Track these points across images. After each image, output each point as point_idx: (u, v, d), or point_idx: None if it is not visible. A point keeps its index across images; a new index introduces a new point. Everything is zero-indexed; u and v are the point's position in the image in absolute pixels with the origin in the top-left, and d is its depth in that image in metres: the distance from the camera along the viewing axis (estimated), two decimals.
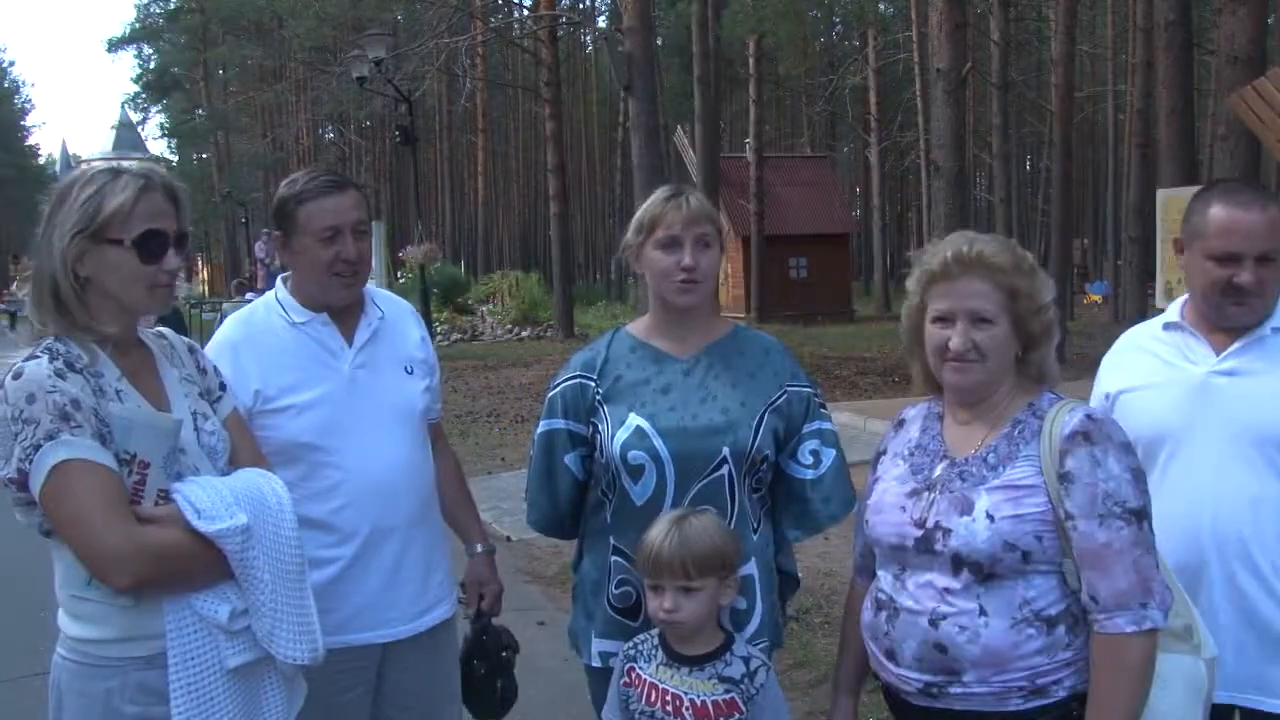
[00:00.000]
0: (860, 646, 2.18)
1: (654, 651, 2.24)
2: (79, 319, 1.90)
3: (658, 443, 2.31)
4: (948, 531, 1.96)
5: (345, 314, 2.51)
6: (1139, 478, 1.94)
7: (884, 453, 2.21)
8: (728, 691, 2.16)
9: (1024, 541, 1.91)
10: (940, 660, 1.95)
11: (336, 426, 2.42)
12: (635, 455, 2.32)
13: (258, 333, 2.48)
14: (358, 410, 2.45)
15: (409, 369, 2.58)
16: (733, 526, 2.33)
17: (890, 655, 2.04)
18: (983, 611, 1.93)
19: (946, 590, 1.95)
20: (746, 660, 2.20)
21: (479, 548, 2.76)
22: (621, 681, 2.27)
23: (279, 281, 2.57)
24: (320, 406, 2.42)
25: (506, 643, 2.74)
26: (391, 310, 2.62)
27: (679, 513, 2.22)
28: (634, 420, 2.34)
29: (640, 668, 2.24)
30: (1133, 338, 2.54)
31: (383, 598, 2.46)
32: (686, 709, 2.15)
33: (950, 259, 2.01)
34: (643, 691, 2.21)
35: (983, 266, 2.00)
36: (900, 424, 2.24)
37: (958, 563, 1.94)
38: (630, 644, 2.30)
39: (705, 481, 2.32)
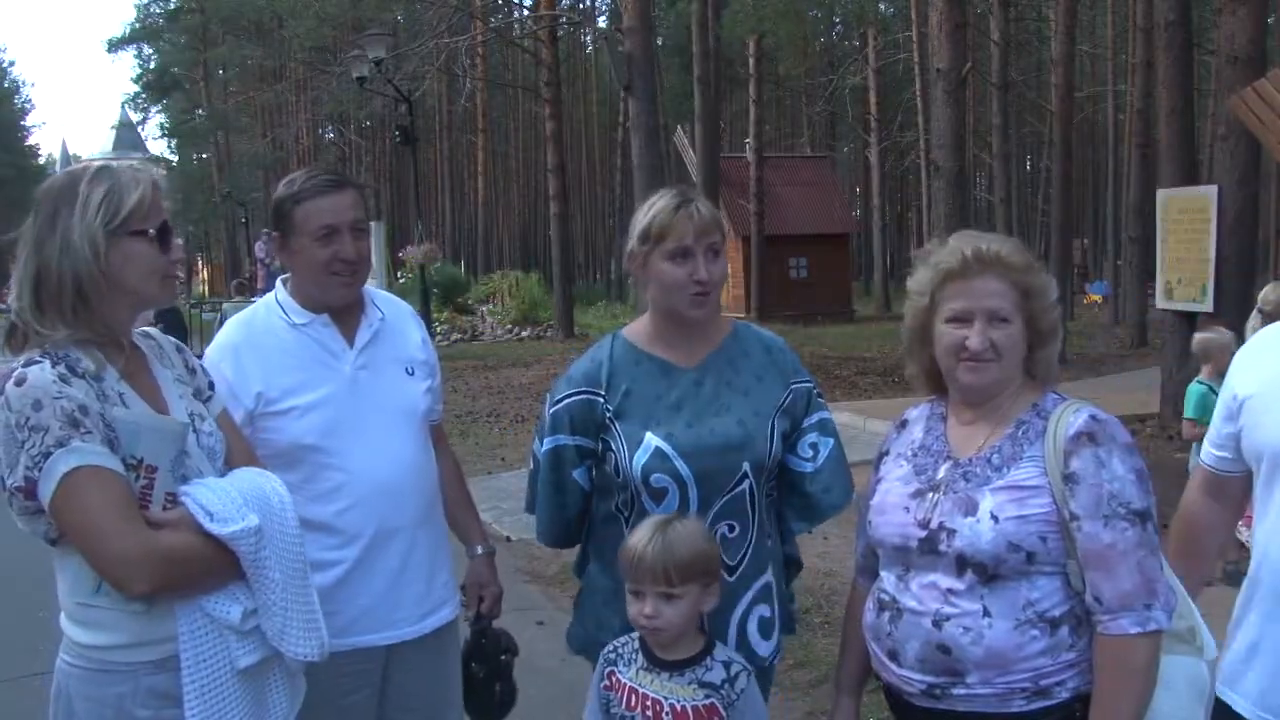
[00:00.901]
0: (862, 647, 2.17)
1: (634, 655, 2.22)
2: (100, 317, 1.88)
3: (679, 464, 2.26)
4: (952, 532, 1.95)
5: (346, 315, 2.50)
6: (1143, 478, 1.94)
7: (887, 453, 2.21)
8: (708, 697, 2.14)
9: (1028, 542, 1.91)
10: (943, 661, 1.95)
11: (339, 428, 2.41)
12: (658, 479, 2.27)
13: (259, 334, 2.47)
14: (360, 411, 2.44)
15: (410, 370, 2.57)
16: (754, 538, 2.32)
17: (893, 656, 2.03)
18: (986, 612, 1.92)
19: (950, 591, 1.95)
20: (727, 665, 2.18)
21: (479, 549, 2.75)
22: (602, 685, 2.25)
23: (279, 283, 2.56)
24: (322, 408, 2.41)
25: (505, 645, 2.73)
26: (392, 311, 2.61)
27: (663, 517, 2.19)
28: (651, 440, 2.28)
29: (620, 671, 2.22)
30: (1268, 337, 2.24)
31: (388, 599, 2.45)
32: (666, 714, 2.14)
33: (970, 257, 2.00)
34: (623, 696, 2.19)
35: (1001, 265, 2.00)
36: (903, 424, 2.23)
37: (962, 563, 1.94)
38: (610, 647, 2.28)
39: (728, 498, 2.29)
